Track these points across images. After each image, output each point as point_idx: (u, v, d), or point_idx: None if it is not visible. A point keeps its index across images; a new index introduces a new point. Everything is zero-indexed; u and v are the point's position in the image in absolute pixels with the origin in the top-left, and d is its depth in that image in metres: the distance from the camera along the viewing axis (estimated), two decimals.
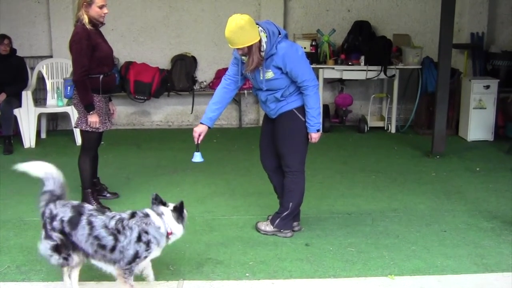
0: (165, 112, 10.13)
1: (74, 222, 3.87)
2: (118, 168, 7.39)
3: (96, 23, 5.56)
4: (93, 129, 5.66)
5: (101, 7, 5.50)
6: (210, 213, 5.71)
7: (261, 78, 4.81)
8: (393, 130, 9.50)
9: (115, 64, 9.01)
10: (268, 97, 4.92)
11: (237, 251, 4.89)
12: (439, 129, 7.94)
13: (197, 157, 4.93)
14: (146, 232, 3.91)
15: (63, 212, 3.92)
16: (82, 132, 5.81)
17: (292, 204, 5.10)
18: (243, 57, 4.80)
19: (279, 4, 9.63)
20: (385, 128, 9.62)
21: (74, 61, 5.50)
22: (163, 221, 3.99)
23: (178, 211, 4.07)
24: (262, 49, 4.68)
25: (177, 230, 4.07)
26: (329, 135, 9.11)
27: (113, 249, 3.87)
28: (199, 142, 4.99)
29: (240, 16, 4.58)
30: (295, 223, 5.30)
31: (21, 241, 5.06)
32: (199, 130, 4.99)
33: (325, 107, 9.61)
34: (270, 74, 4.77)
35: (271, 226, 5.20)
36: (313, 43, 9.28)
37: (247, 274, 4.51)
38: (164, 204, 4.10)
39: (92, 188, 5.91)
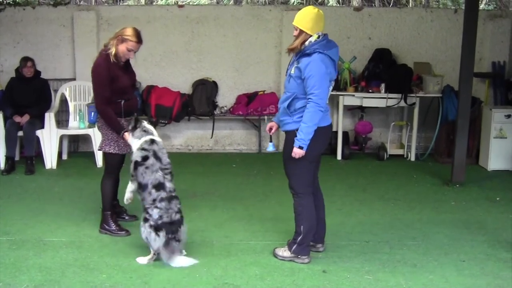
0: (185, 136, 10.19)
1: None
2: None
3: (119, 58, 5.69)
4: (117, 151, 5.74)
5: (130, 50, 5.66)
6: (228, 238, 5.72)
7: (290, 72, 5.03)
8: (413, 158, 9.46)
9: (137, 88, 9.10)
10: (281, 105, 5.07)
11: (254, 277, 4.88)
12: (459, 158, 7.91)
13: (271, 147, 5.55)
14: None
15: None
16: (105, 154, 5.89)
17: (304, 227, 5.09)
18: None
19: None
20: (405, 156, 9.58)
21: (94, 90, 5.68)
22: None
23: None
24: (304, 43, 4.95)
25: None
26: (348, 162, 9.08)
27: None
28: (271, 134, 5.41)
29: (317, 8, 5.01)
30: (319, 245, 5.36)
31: (40, 261, 5.10)
32: (271, 124, 5.39)
33: (345, 134, 9.61)
34: (293, 70, 4.96)
35: (289, 252, 5.20)
36: None
37: None
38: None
39: (112, 211, 5.96)
